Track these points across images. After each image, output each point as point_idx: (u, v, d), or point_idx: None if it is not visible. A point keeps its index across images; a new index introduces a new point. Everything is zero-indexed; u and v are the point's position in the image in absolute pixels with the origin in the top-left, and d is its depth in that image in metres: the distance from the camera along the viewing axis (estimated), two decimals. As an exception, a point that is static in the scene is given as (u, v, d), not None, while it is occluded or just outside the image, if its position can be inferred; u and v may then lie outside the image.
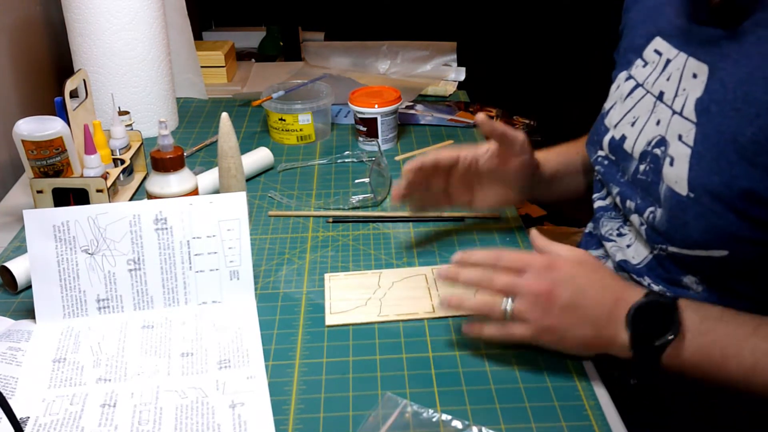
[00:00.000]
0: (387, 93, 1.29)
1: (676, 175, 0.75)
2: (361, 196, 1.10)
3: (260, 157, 1.20)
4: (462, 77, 1.60)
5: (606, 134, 0.89)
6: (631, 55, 0.88)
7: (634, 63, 0.87)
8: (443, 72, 1.61)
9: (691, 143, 0.74)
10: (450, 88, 1.55)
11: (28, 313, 0.87)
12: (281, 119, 1.29)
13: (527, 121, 1.44)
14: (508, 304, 0.75)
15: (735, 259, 0.72)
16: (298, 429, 0.71)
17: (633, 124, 0.84)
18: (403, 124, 1.38)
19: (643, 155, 0.81)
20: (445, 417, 0.71)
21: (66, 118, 1.01)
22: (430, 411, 0.71)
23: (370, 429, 0.70)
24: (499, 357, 0.79)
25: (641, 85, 0.85)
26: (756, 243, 0.71)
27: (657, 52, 0.83)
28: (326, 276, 0.94)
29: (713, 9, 0.74)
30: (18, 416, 0.68)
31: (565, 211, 2.66)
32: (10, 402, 0.73)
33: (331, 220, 1.06)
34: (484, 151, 0.95)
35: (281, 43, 2.06)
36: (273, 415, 0.72)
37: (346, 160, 1.25)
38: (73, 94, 1.09)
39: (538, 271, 0.74)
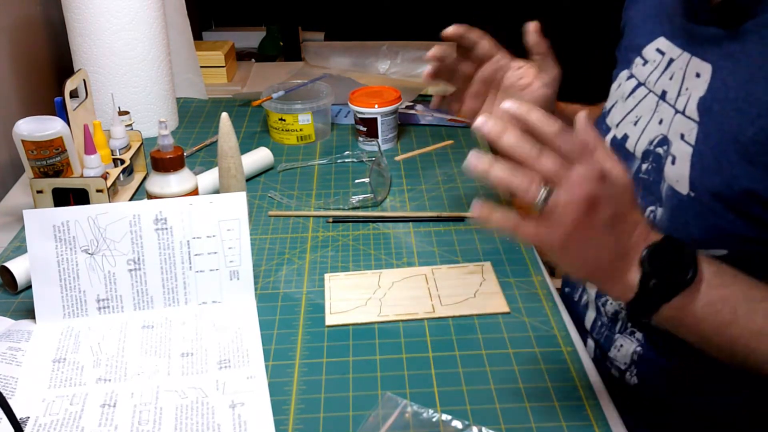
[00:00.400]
0: (387, 93, 1.29)
1: (678, 174, 0.75)
2: (361, 196, 1.10)
3: (260, 157, 1.20)
4: (462, 77, 1.60)
5: (607, 133, 0.89)
6: (631, 53, 0.88)
7: (634, 62, 0.87)
8: (443, 72, 1.61)
9: (693, 142, 0.74)
10: (450, 89, 1.55)
11: (28, 313, 0.87)
12: (281, 119, 1.29)
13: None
14: (545, 191, 0.61)
15: (735, 259, 0.71)
16: (298, 429, 0.71)
17: (635, 123, 0.84)
18: (403, 124, 1.38)
19: (646, 154, 0.81)
20: (445, 417, 0.71)
21: (66, 118, 1.01)
22: (430, 411, 0.71)
23: (370, 429, 0.70)
24: (499, 357, 0.80)
25: (643, 84, 0.84)
26: (756, 242, 0.71)
27: (659, 51, 0.83)
28: (326, 276, 0.94)
29: (713, 9, 0.74)
30: (18, 416, 0.68)
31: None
32: (10, 402, 0.73)
33: (331, 220, 1.06)
34: (516, 65, 0.95)
35: (281, 43, 2.06)
36: (273, 415, 0.72)
37: (346, 160, 1.25)
38: (73, 94, 1.08)
39: (592, 173, 0.61)
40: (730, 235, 0.71)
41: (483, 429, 0.69)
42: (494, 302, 0.88)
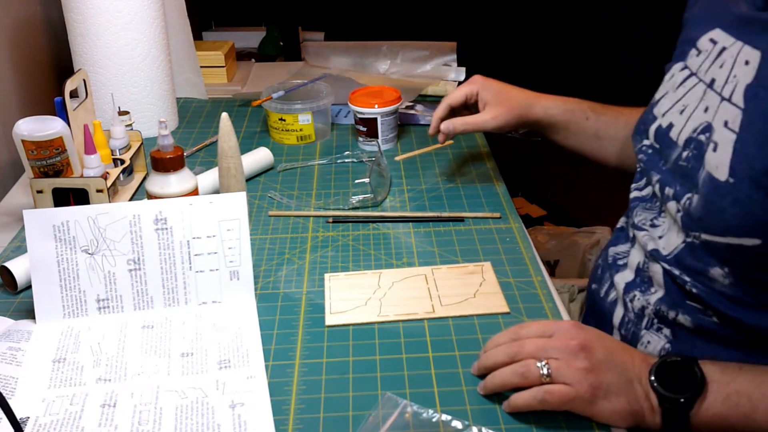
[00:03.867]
0: (387, 93, 1.29)
1: (718, 161, 0.74)
2: (361, 196, 1.10)
3: (260, 157, 1.20)
4: (462, 77, 1.60)
5: (653, 122, 0.88)
6: (686, 46, 0.87)
7: (689, 53, 0.86)
8: (443, 72, 1.61)
9: (737, 129, 0.73)
10: (450, 88, 1.55)
11: (28, 313, 0.87)
12: (281, 119, 1.29)
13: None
14: (544, 368, 0.70)
15: (767, 250, 0.72)
16: (298, 429, 0.71)
17: (681, 112, 0.83)
18: (403, 124, 1.38)
19: (688, 142, 0.80)
20: (445, 417, 0.71)
21: (66, 118, 1.01)
22: (430, 411, 0.71)
23: (370, 429, 0.70)
24: (499, 357, 0.79)
25: (695, 74, 0.83)
26: None
27: (712, 41, 0.81)
28: (326, 276, 0.94)
29: None
30: (18, 416, 0.68)
31: (564, 212, 2.66)
32: (10, 402, 0.73)
33: (331, 220, 1.06)
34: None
35: (281, 43, 2.06)
36: (273, 415, 0.72)
37: (346, 160, 1.25)
38: (73, 94, 1.08)
39: (568, 330, 0.73)
40: (765, 224, 0.71)
41: (483, 429, 0.69)
42: (494, 302, 0.88)
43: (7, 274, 0.91)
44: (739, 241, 0.72)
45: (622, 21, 3.20)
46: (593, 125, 1.09)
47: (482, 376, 0.76)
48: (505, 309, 0.87)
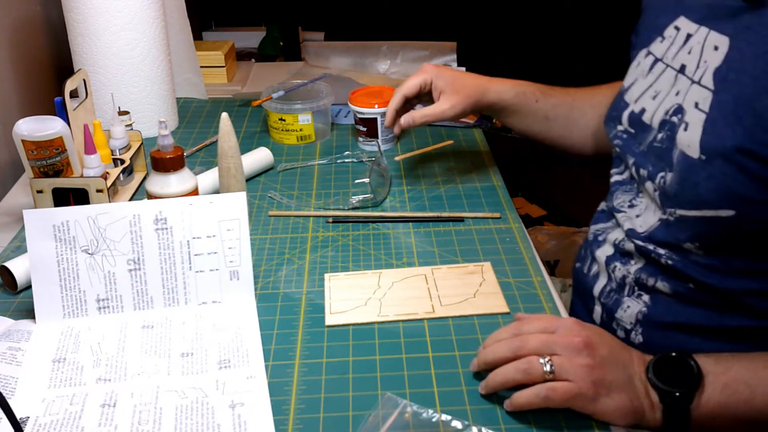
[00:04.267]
0: (387, 93, 1.29)
1: (689, 139, 0.77)
2: (361, 196, 1.10)
3: (260, 157, 1.20)
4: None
5: (626, 109, 0.91)
6: (652, 33, 0.90)
7: (654, 41, 0.89)
8: (443, 72, 1.61)
9: (707, 109, 0.76)
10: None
11: (28, 313, 0.87)
12: (281, 119, 1.29)
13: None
14: (547, 364, 0.70)
15: (741, 220, 0.75)
16: (298, 429, 0.71)
17: (654, 98, 0.86)
18: (403, 124, 1.38)
19: (662, 124, 0.83)
20: (445, 417, 0.71)
21: (66, 118, 1.01)
22: (430, 411, 0.71)
23: (370, 429, 0.70)
24: (499, 357, 0.79)
25: (660, 60, 0.87)
26: (763, 203, 0.73)
27: (676, 28, 0.85)
28: (326, 276, 0.94)
29: None
30: (18, 416, 0.68)
31: (564, 212, 2.66)
32: (10, 402, 0.73)
33: (331, 220, 1.06)
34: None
35: (281, 43, 2.05)
36: (273, 415, 0.72)
37: (346, 160, 1.25)
38: (73, 94, 1.08)
39: (571, 327, 0.73)
40: (739, 196, 0.74)
41: (483, 429, 0.69)
42: (494, 302, 0.88)
43: (7, 274, 0.91)
44: (715, 213, 0.75)
45: (622, 21, 3.20)
46: (542, 107, 1.11)
47: (481, 375, 0.76)
48: (505, 309, 0.87)
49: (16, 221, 1.08)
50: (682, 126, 0.79)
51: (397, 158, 1.24)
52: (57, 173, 1.00)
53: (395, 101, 1.10)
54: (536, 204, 2.70)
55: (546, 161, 2.79)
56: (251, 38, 2.06)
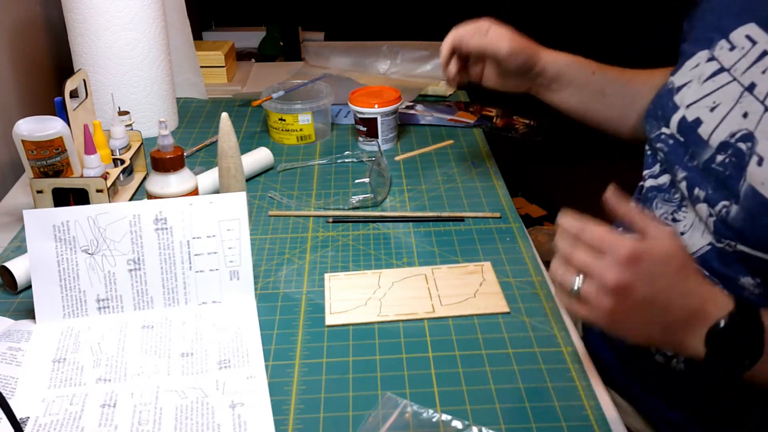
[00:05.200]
0: (387, 93, 1.29)
1: (764, 177, 0.71)
2: (361, 196, 1.10)
3: (260, 157, 1.20)
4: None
5: (675, 112, 0.85)
6: (713, 33, 0.83)
7: (717, 43, 0.82)
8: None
9: None
10: (450, 89, 1.55)
11: (28, 313, 0.87)
12: (281, 119, 1.29)
13: (527, 121, 1.44)
14: (578, 282, 0.68)
15: None
16: (298, 429, 0.71)
17: (712, 110, 0.80)
18: (403, 124, 1.38)
19: (723, 146, 0.77)
20: (445, 417, 0.71)
21: (66, 118, 1.01)
22: (430, 411, 0.71)
23: (370, 429, 0.70)
24: (499, 357, 0.80)
25: (727, 71, 0.80)
26: None
27: (749, 38, 0.78)
28: (326, 276, 0.94)
29: None
30: (18, 416, 0.68)
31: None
32: (10, 402, 0.73)
33: (331, 220, 1.06)
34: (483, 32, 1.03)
35: (281, 43, 2.06)
36: (273, 415, 0.72)
37: (346, 160, 1.25)
38: (73, 94, 1.08)
39: (619, 260, 0.66)
40: None
41: (483, 429, 0.69)
42: (494, 302, 0.88)
43: (7, 274, 0.91)
44: None
45: (622, 21, 3.19)
46: (599, 80, 1.05)
47: (481, 375, 0.75)
48: (505, 309, 0.87)
49: (16, 221, 1.08)
50: (755, 159, 0.72)
51: (397, 158, 1.24)
52: (57, 173, 1.00)
53: (449, 39, 1.04)
54: (536, 204, 2.70)
55: (546, 161, 2.79)
56: (251, 38, 2.06)
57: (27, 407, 0.73)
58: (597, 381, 0.77)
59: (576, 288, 0.68)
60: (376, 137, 1.27)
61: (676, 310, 0.68)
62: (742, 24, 0.79)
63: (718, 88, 0.80)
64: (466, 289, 0.91)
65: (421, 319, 0.86)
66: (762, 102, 0.74)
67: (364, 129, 1.28)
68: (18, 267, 0.91)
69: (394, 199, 1.13)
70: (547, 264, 1.09)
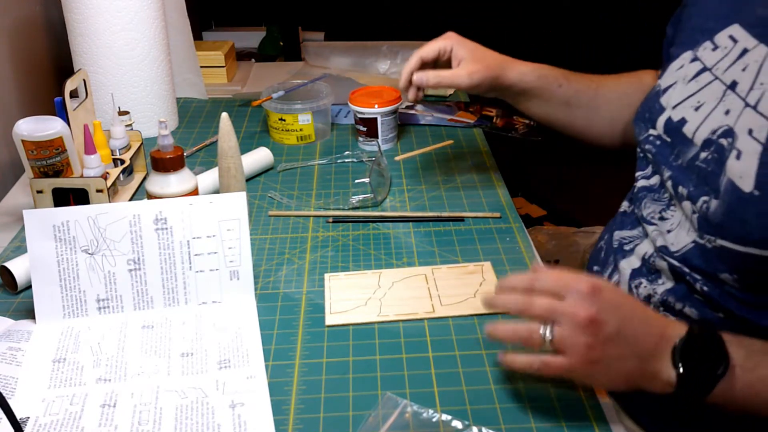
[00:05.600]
0: (387, 93, 1.29)
1: (742, 170, 0.72)
2: (361, 196, 1.10)
3: (260, 157, 1.20)
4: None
5: (661, 114, 0.86)
6: (698, 35, 0.84)
7: (701, 44, 0.83)
8: (443, 72, 1.61)
9: (763, 140, 0.71)
10: (450, 89, 1.55)
11: (28, 313, 0.87)
12: (281, 119, 1.29)
13: (527, 121, 1.44)
14: (548, 331, 0.68)
15: None
16: (298, 429, 0.71)
17: (696, 109, 0.81)
18: (403, 124, 1.38)
19: (707, 143, 0.78)
20: (445, 417, 0.71)
21: (66, 118, 1.01)
22: (430, 411, 0.71)
23: (370, 429, 0.70)
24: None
25: (709, 70, 0.81)
26: None
27: (732, 38, 0.79)
28: (326, 276, 0.94)
29: None
30: (18, 416, 0.68)
31: (564, 212, 2.66)
32: (10, 402, 0.73)
33: (331, 220, 1.06)
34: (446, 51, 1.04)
35: (281, 43, 2.06)
36: (273, 415, 0.72)
37: (346, 160, 1.25)
38: (73, 94, 1.08)
39: (582, 295, 0.68)
40: None
41: (483, 429, 0.69)
42: (494, 302, 0.88)
43: (7, 274, 0.91)
44: (761, 252, 0.71)
45: (622, 21, 3.20)
46: (564, 92, 1.06)
47: (481, 375, 0.76)
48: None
49: (16, 221, 1.08)
50: (734, 153, 0.73)
51: (397, 158, 1.24)
52: (57, 173, 1.00)
53: (411, 63, 1.04)
54: (536, 204, 2.70)
55: (546, 161, 2.79)
56: (251, 38, 2.06)
57: (27, 407, 0.73)
58: (597, 381, 0.77)
59: (549, 338, 0.68)
60: (376, 137, 1.27)
61: (643, 337, 0.69)
62: (726, 26, 0.81)
63: (701, 88, 0.81)
64: (466, 289, 0.91)
65: (421, 319, 0.86)
66: (743, 99, 0.75)
67: (364, 129, 1.28)
68: (18, 267, 0.91)
69: (394, 199, 1.13)
70: (547, 264, 1.09)
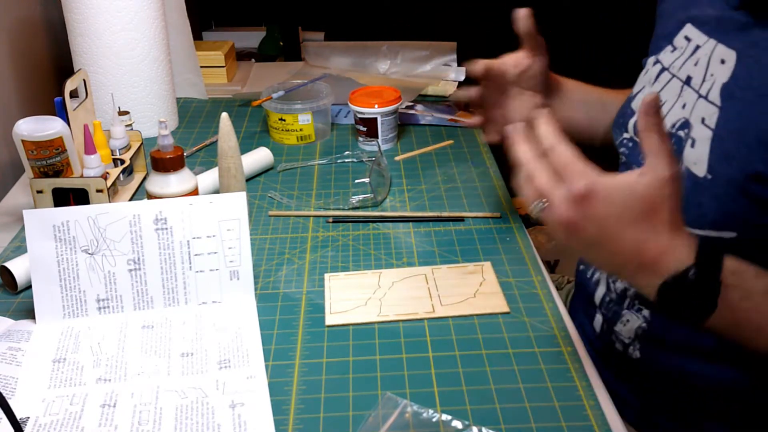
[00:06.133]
0: (387, 93, 1.29)
1: (696, 157, 0.76)
2: (361, 196, 1.10)
3: (260, 157, 1.20)
4: (462, 77, 1.60)
5: (632, 117, 0.91)
6: (662, 41, 0.90)
7: (664, 49, 0.89)
8: (443, 72, 1.61)
9: (713, 126, 0.75)
10: (450, 88, 1.55)
11: (28, 313, 0.87)
12: (281, 119, 1.29)
13: (527, 121, 1.44)
14: (539, 206, 0.68)
15: (743, 242, 0.74)
16: (298, 429, 0.71)
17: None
18: (403, 124, 1.38)
19: (668, 137, 0.79)
20: (445, 417, 0.71)
21: (66, 118, 1.01)
22: (430, 411, 0.71)
23: (370, 429, 0.70)
24: (499, 357, 0.80)
25: (666, 69, 0.86)
26: (762, 227, 0.72)
27: (686, 38, 0.84)
28: (326, 276, 0.94)
29: None
30: (18, 416, 0.68)
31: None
32: (10, 402, 0.73)
33: (331, 220, 1.06)
34: (510, 62, 1.01)
35: (281, 43, 2.06)
36: (273, 415, 0.72)
37: (346, 160, 1.25)
38: (73, 94, 1.08)
39: (569, 197, 0.66)
40: (741, 219, 0.73)
41: (483, 429, 0.69)
42: (494, 302, 0.88)
43: (7, 274, 0.91)
44: (718, 233, 0.74)
45: (622, 21, 3.19)
46: (600, 95, 1.09)
47: (480, 374, 0.76)
48: (505, 309, 0.87)
49: (16, 221, 1.08)
50: (689, 142, 0.78)
51: (397, 158, 1.24)
52: (57, 173, 1.00)
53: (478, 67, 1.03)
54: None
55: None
56: (251, 38, 2.06)
57: (27, 407, 0.73)
58: (597, 381, 0.77)
59: (537, 212, 0.69)
60: (376, 137, 1.27)
61: (625, 255, 0.67)
62: (681, 27, 0.85)
63: (662, 87, 0.86)
64: (466, 289, 0.91)
65: (421, 319, 0.86)
66: (696, 91, 0.79)
67: (364, 129, 1.28)
68: (18, 267, 0.91)
69: (394, 199, 1.13)
70: (547, 264, 1.09)
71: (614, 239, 0.66)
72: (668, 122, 0.82)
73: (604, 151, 1.12)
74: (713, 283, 0.66)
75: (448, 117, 1.41)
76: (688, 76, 0.81)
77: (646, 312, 0.86)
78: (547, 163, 0.69)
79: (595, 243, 0.67)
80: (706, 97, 0.77)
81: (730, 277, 0.66)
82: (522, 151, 0.71)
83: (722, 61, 0.77)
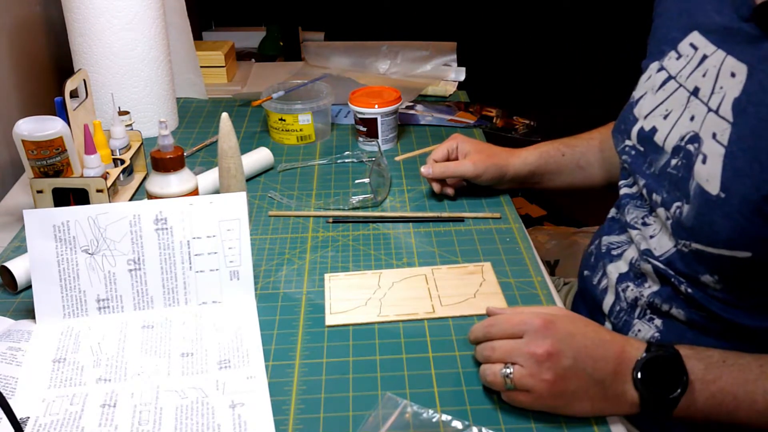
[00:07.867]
0: (387, 93, 1.29)
1: (708, 174, 0.74)
2: (361, 196, 1.10)
3: (260, 157, 1.20)
4: (462, 77, 1.60)
5: (635, 124, 0.89)
6: (664, 46, 0.87)
7: (667, 54, 0.86)
8: (443, 72, 1.61)
9: (726, 143, 0.73)
10: (450, 88, 1.55)
11: (28, 313, 0.87)
12: (281, 119, 1.29)
13: (527, 121, 1.44)
14: (508, 372, 0.71)
15: (758, 262, 0.72)
16: (298, 429, 0.71)
17: (665, 117, 0.83)
18: (403, 124, 1.38)
19: (676, 150, 0.80)
20: (445, 417, 0.71)
21: (66, 118, 1.01)
22: (430, 411, 0.71)
23: (370, 429, 0.70)
24: (499, 357, 0.79)
25: (673, 78, 0.84)
26: None
27: (693, 46, 0.82)
28: (326, 276, 0.94)
29: (756, 9, 0.73)
30: (18, 416, 0.68)
31: (564, 212, 2.66)
32: (10, 402, 0.73)
33: (331, 220, 1.07)
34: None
35: (281, 43, 2.06)
36: (273, 415, 0.72)
37: (346, 160, 1.25)
38: (73, 94, 1.09)
39: (536, 333, 0.71)
40: (756, 238, 0.71)
41: (483, 429, 0.69)
42: (494, 302, 0.88)
43: (7, 274, 0.91)
44: (731, 253, 0.73)
45: (622, 21, 3.20)
46: (571, 158, 1.11)
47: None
48: (505, 309, 0.87)
49: (16, 221, 1.08)
50: (700, 157, 0.75)
51: (397, 158, 1.24)
52: (57, 173, 1.01)
53: (425, 167, 1.11)
54: (536, 204, 2.70)
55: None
56: (251, 38, 2.06)
57: (27, 407, 0.73)
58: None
59: (509, 379, 0.71)
60: (376, 137, 1.27)
61: (602, 361, 0.71)
62: (687, 33, 0.83)
63: (668, 96, 0.84)
64: (466, 290, 0.91)
65: (421, 320, 0.86)
66: (705, 104, 0.77)
67: (364, 129, 1.28)
68: (18, 267, 0.91)
69: (394, 199, 1.13)
70: (547, 264, 1.09)
71: (587, 349, 0.71)
72: (676, 134, 0.80)
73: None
74: (675, 354, 0.71)
75: (448, 117, 1.41)
76: (696, 87, 0.79)
77: (658, 321, 0.85)
78: (496, 339, 0.74)
79: (577, 362, 0.70)
80: (716, 112, 0.75)
81: (683, 350, 0.72)
82: (477, 354, 0.76)
83: (732, 75, 0.74)
